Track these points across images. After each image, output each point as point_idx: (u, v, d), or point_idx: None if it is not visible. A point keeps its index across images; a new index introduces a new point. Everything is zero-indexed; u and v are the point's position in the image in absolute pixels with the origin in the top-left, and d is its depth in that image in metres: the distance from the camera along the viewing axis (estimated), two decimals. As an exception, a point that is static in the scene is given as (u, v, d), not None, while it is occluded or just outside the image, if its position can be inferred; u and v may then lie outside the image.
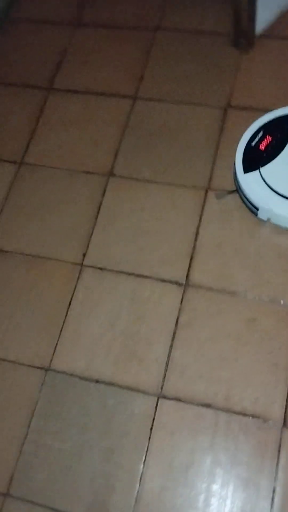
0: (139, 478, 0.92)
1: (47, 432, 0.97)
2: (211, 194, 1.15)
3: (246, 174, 1.06)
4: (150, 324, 1.04)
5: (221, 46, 1.34)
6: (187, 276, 1.08)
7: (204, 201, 1.14)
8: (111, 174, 1.22)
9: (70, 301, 1.09)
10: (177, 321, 1.04)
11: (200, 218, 1.13)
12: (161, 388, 0.98)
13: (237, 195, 1.11)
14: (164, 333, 1.03)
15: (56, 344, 1.05)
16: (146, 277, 1.09)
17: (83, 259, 1.13)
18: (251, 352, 0.99)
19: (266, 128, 1.11)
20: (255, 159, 1.08)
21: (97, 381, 1.00)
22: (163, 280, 1.08)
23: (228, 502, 0.88)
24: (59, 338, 1.05)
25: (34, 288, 1.11)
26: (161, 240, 1.12)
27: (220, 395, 0.96)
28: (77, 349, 1.04)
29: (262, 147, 1.08)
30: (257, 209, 1.06)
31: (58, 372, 1.02)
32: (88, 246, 1.14)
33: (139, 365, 1.01)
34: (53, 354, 1.04)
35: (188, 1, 1.42)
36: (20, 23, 1.50)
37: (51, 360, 1.04)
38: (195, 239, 1.11)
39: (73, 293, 1.10)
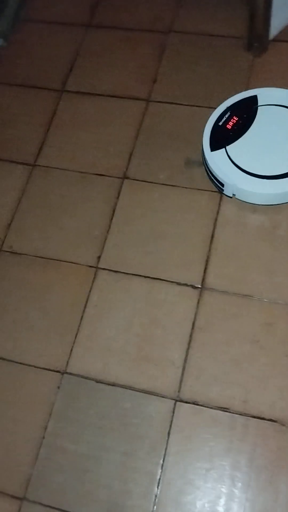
0: (157, 482, 0.92)
1: (63, 435, 0.97)
2: (226, 198, 1.15)
3: (212, 152, 1.12)
4: (166, 327, 1.04)
5: (234, 49, 1.35)
6: (203, 279, 1.08)
7: (220, 204, 1.14)
8: (125, 176, 1.22)
9: (85, 304, 1.09)
10: (193, 324, 1.04)
11: (216, 221, 1.13)
12: (178, 392, 0.98)
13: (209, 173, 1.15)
14: (180, 336, 1.03)
15: (72, 347, 1.05)
16: (161, 280, 1.09)
17: (98, 262, 1.13)
18: (268, 355, 0.99)
19: (233, 109, 1.17)
20: (222, 138, 1.13)
21: (113, 384, 1.00)
22: (179, 283, 1.08)
23: (248, 505, 0.88)
24: (74, 341, 1.05)
25: (49, 291, 1.11)
26: (176, 243, 1.12)
27: (237, 398, 0.96)
28: (93, 352, 1.04)
29: (229, 126, 1.14)
30: (223, 185, 1.11)
31: (74, 375, 1.02)
32: (103, 249, 1.14)
33: (155, 368, 1.01)
34: (69, 357, 1.04)
35: (201, 4, 1.42)
36: (32, 23, 1.50)
37: (67, 363, 1.03)
38: (211, 242, 1.11)
39: (88, 296, 1.09)
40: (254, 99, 1.18)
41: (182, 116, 1.27)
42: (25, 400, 1.00)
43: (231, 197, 1.12)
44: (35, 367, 1.04)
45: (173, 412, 0.97)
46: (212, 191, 1.16)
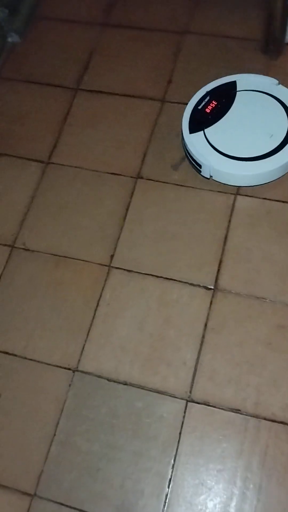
0: (168, 482, 0.92)
1: (75, 433, 0.97)
2: (240, 199, 1.15)
3: (191, 134, 1.16)
4: (179, 327, 1.04)
5: (249, 51, 1.35)
6: (216, 281, 1.08)
7: (233, 205, 1.15)
8: (139, 176, 1.22)
9: (98, 303, 1.09)
10: (205, 326, 1.04)
11: (229, 222, 1.13)
12: (190, 392, 0.98)
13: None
14: (193, 337, 1.03)
15: (84, 345, 1.05)
16: (174, 280, 1.09)
17: (111, 261, 1.13)
18: (280, 358, 0.99)
19: (212, 93, 1.20)
20: (201, 121, 1.17)
21: (125, 383, 1.00)
22: (192, 284, 1.08)
23: (259, 507, 0.88)
24: (86, 339, 1.05)
25: (61, 289, 1.11)
26: (189, 244, 1.12)
27: (249, 400, 0.96)
28: (105, 351, 1.04)
29: (207, 110, 1.18)
30: (200, 167, 1.14)
31: (86, 373, 1.02)
32: (115, 248, 1.14)
33: (167, 368, 1.01)
34: (80, 355, 1.04)
35: (217, 6, 1.42)
36: (48, 21, 1.50)
37: (79, 361, 1.03)
38: (224, 243, 1.11)
39: (100, 295, 1.09)
40: (233, 84, 1.21)
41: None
42: (36, 397, 1.01)
43: (208, 179, 1.16)
44: (46, 364, 1.04)
45: (185, 413, 0.97)
46: (226, 193, 1.16)
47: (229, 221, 1.13)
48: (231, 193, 1.16)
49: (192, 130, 1.16)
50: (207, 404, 0.97)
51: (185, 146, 1.16)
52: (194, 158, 1.14)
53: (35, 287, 1.12)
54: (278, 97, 1.18)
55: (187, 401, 0.98)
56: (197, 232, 1.13)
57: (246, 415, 0.95)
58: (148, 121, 1.29)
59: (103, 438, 0.96)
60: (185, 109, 1.20)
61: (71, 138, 1.30)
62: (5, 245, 1.17)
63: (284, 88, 1.20)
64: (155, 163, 1.23)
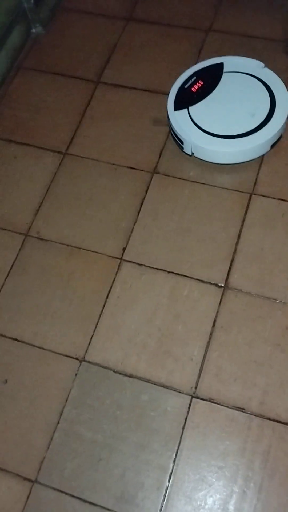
0: (168, 476, 0.92)
1: (79, 422, 0.97)
2: (255, 198, 1.15)
3: (176, 111, 1.19)
4: (187, 323, 1.04)
5: (272, 51, 1.34)
6: (226, 279, 1.08)
7: (248, 205, 1.14)
8: (155, 171, 1.22)
9: (108, 294, 1.09)
10: (214, 323, 1.04)
11: (243, 222, 1.13)
12: (195, 388, 0.98)
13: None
14: (201, 333, 1.03)
15: (92, 335, 1.05)
16: (185, 276, 1.09)
17: (123, 254, 1.13)
18: (288, 359, 0.99)
19: (199, 74, 1.24)
20: (186, 99, 1.21)
21: (131, 376, 1.01)
22: (203, 281, 1.08)
23: (259, 507, 0.88)
24: (95, 330, 1.06)
25: (73, 279, 1.11)
26: (202, 241, 1.12)
27: (255, 400, 0.96)
28: (113, 342, 1.04)
29: (193, 89, 1.22)
30: (183, 143, 1.18)
31: (92, 363, 1.03)
32: (128, 241, 1.14)
33: (174, 363, 1.01)
34: (88, 345, 1.04)
35: (241, 5, 1.42)
36: (72, 13, 1.51)
37: (86, 351, 1.04)
38: (237, 242, 1.11)
39: (111, 287, 1.10)
40: (220, 66, 1.25)
41: (216, 115, 1.27)
42: (42, 384, 1.01)
43: (190, 155, 1.20)
44: (54, 352, 1.04)
45: (189, 408, 0.97)
46: (242, 192, 1.16)
47: (243, 220, 1.13)
48: (247, 192, 1.16)
49: (177, 107, 1.20)
50: (211, 400, 0.97)
51: (170, 123, 1.20)
52: (177, 134, 1.18)
53: (47, 276, 1.12)
54: (262, 79, 1.21)
55: (192, 396, 0.98)
56: (210, 229, 1.13)
57: (250, 414, 0.95)
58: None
59: (106, 429, 0.96)
60: (171, 87, 1.23)
61: (90, 130, 1.30)
62: (19, 233, 1.18)
63: (269, 71, 1.23)
64: (172, 159, 1.23)
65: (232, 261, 1.09)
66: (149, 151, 1.25)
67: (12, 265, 1.14)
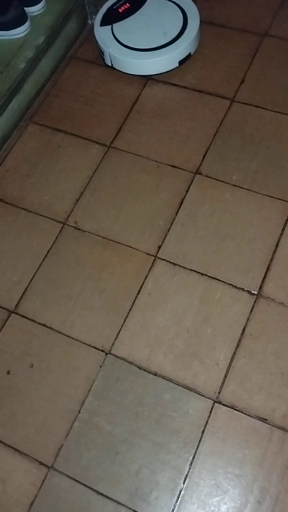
0: (184, 478, 0.92)
1: (99, 413, 0.98)
2: (297, 209, 1.13)
3: (101, 27, 1.38)
4: (216, 327, 1.04)
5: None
6: (260, 287, 1.06)
7: (289, 215, 1.13)
8: (197, 172, 1.21)
9: (139, 290, 1.09)
10: (243, 330, 1.03)
11: (283, 231, 1.11)
12: (218, 393, 0.98)
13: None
14: (229, 339, 1.02)
15: (120, 329, 1.06)
16: (218, 280, 1.08)
17: (158, 251, 1.13)
18: (316, 375, 0.97)
19: None
20: (112, 18, 1.39)
21: (155, 374, 1.00)
22: (236, 287, 1.07)
23: (273, 520, 0.86)
24: (123, 324, 1.06)
25: (106, 271, 1.12)
26: (239, 246, 1.11)
27: (278, 412, 0.95)
28: (140, 339, 1.04)
29: (120, 10, 1.40)
30: (103, 55, 1.36)
31: (118, 357, 1.03)
32: (164, 240, 1.14)
33: (199, 366, 1.00)
34: (115, 339, 1.05)
35: None
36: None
37: (113, 344, 1.04)
38: (274, 251, 1.10)
39: (143, 283, 1.10)
40: None
41: (264, 121, 1.26)
42: (67, 372, 1.02)
43: (110, 66, 1.38)
44: (81, 342, 1.05)
45: (210, 412, 0.96)
46: (284, 200, 1.15)
47: (283, 229, 1.12)
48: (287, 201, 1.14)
49: (102, 24, 1.38)
50: (234, 407, 0.96)
51: (94, 37, 1.37)
52: (100, 46, 1.35)
53: (81, 266, 1.13)
54: (180, 5, 1.38)
55: (215, 401, 0.97)
56: (248, 235, 1.12)
57: (272, 425, 0.94)
58: (215, 119, 1.28)
59: (126, 423, 0.97)
60: (101, 6, 1.42)
61: (136, 126, 1.30)
62: (57, 221, 1.19)
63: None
64: (215, 161, 1.22)
65: (267, 269, 1.08)
66: (193, 151, 1.24)
67: (48, 252, 1.15)
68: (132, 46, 1.33)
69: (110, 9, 1.40)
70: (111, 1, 1.41)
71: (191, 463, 0.93)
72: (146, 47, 1.32)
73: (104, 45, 1.34)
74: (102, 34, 1.36)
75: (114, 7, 1.40)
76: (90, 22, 1.49)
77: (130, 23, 1.37)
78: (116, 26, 1.37)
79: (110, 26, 1.37)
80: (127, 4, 1.39)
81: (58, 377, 1.02)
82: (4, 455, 0.96)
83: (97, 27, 1.38)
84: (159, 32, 1.34)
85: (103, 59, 1.38)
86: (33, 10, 1.37)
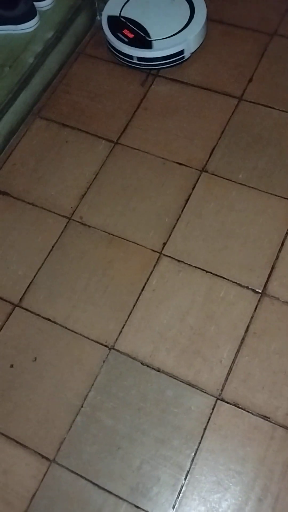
0: (185, 474, 0.92)
1: (102, 408, 0.98)
2: (303, 209, 1.13)
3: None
4: (220, 325, 1.04)
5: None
6: (265, 285, 1.06)
7: (295, 214, 1.13)
8: (204, 170, 1.21)
9: (144, 287, 1.09)
10: (247, 328, 1.03)
11: (288, 230, 1.11)
12: (221, 391, 0.98)
13: None
14: (233, 337, 1.02)
15: (124, 325, 1.06)
16: (223, 278, 1.08)
17: (163, 248, 1.13)
18: None
19: None
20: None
21: (158, 370, 1.01)
22: (240, 285, 1.07)
23: (274, 518, 0.87)
24: (127, 320, 1.06)
25: (110, 267, 1.12)
26: (244, 244, 1.11)
27: (281, 410, 0.95)
28: (143, 335, 1.04)
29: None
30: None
31: (121, 353, 1.03)
32: (169, 236, 1.14)
33: (202, 363, 1.00)
34: (119, 334, 1.05)
35: None
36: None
37: (116, 340, 1.04)
38: (279, 250, 1.10)
39: (147, 279, 1.10)
40: None
41: (272, 120, 1.26)
42: (70, 366, 1.02)
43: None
44: (85, 337, 1.05)
45: (213, 410, 0.96)
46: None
47: (289, 228, 1.12)
48: (295, 201, 1.14)
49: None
50: (236, 405, 0.96)
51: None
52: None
53: (85, 261, 1.13)
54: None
55: (217, 398, 0.97)
56: (254, 234, 1.12)
57: (275, 424, 0.94)
58: (223, 117, 1.28)
59: (128, 419, 0.97)
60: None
61: (143, 122, 1.30)
62: (63, 216, 1.19)
63: None
64: (222, 159, 1.22)
65: (272, 268, 1.08)
66: (200, 149, 1.24)
67: (53, 247, 1.15)
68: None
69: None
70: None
71: (192, 460, 0.93)
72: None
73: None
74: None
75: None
76: (99, 19, 1.49)
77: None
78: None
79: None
80: None
81: (61, 371, 1.02)
82: (6, 448, 0.96)
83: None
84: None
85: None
86: (42, 5, 1.37)
